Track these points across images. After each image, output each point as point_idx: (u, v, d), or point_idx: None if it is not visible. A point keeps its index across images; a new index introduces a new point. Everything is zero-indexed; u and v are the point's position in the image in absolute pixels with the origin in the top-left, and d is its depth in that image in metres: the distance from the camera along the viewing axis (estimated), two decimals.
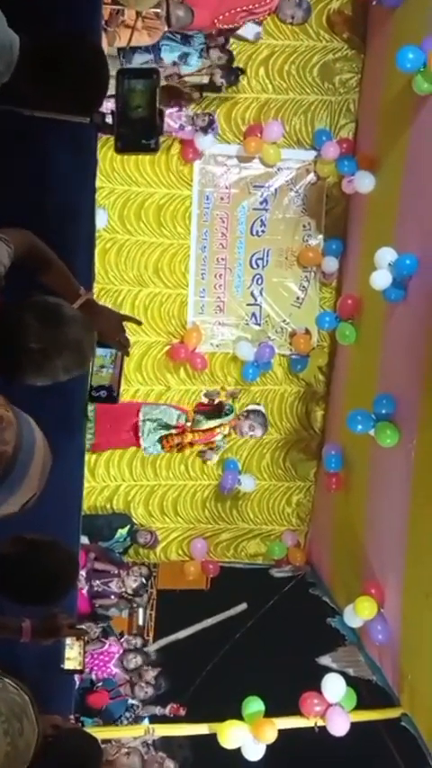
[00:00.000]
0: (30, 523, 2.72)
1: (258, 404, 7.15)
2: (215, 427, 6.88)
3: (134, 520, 7.25)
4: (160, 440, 6.85)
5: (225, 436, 6.98)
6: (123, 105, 2.36)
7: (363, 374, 6.44)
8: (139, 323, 3.03)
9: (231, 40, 6.52)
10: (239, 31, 6.42)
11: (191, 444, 6.91)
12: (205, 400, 7.02)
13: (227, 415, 6.90)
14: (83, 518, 5.48)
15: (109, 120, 2.40)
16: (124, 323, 2.80)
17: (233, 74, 6.60)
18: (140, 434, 6.82)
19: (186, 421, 6.90)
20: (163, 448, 6.88)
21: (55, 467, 2.38)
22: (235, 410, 7.02)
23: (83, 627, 4.86)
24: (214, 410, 6.95)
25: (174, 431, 6.84)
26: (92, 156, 3.29)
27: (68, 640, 3.53)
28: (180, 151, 6.91)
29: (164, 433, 6.85)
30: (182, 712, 6.47)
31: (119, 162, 6.81)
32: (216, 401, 6.97)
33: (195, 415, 6.93)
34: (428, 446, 5.19)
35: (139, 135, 2.35)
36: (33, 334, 2.24)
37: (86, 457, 6.53)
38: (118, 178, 6.87)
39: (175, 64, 6.22)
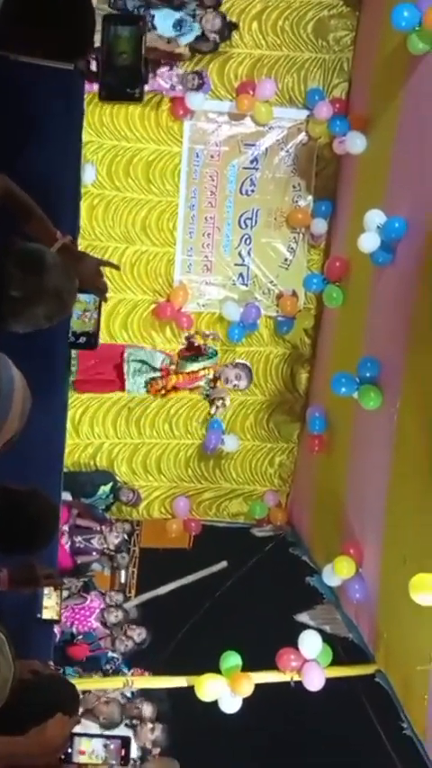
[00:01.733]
0: (11, 474, 2.74)
1: (246, 361, 7.12)
2: (199, 370, 6.87)
3: (117, 477, 7.29)
4: (145, 384, 6.84)
5: (210, 380, 6.94)
6: (108, 52, 2.32)
7: (348, 337, 6.45)
8: (117, 267, 3.02)
9: None
10: None
11: (175, 389, 6.89)
12: (185, 343, 6.98)
13: (210, 357, 6.87)
14: (65, 474, 5.52)
15: (94, 68, 2.36)
16: (103, 268, 2.78)
17: (226, 29, 6.50)
18: (125, 376, 6.81)
19: (171, 364, 6.88)
20: (148, 391, 6.86)
21: (37, 419, 2.39)
22: (218, 353, 6.99)
23: (60, 578, 4.90)
24: (196, 352, 6.92)
25: (158, 373, 6.82)
26: (78, 103, 3.24)
27: (46, 590, 3.57)
28: (170, 108, 6.81)
29: (148, 376, 6.83)
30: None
31: (108, 116, 6.71)
32: (195, 343, 6.94)
33: (180, 360, 6.90)
34: (411, 410, 5.23)
35: (124, 83, 2.32)
36: (15, 281, 2.23)
37: (70, 413, 6.56)
38: (107, 133, 6.77)
39: (171, 37, 6.13)
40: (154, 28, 6.03)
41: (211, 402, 7.07)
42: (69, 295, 2.37)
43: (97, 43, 2.37)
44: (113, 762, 3.54)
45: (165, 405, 7.30)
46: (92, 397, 7.17)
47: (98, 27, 2.33)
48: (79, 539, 6.67)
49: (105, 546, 6.76)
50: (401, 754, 5.78)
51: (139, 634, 6.50)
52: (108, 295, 2.86)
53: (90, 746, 3.47)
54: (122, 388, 6.93)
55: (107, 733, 4.77)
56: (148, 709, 5.72)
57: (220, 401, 6.99)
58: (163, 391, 6.86)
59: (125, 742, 3.56)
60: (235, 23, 6.58)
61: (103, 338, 6.91)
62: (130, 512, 7.44)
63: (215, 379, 6.98)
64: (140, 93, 2.32)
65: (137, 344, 7.06)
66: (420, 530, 4.99)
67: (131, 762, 5.00)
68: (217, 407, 7.06)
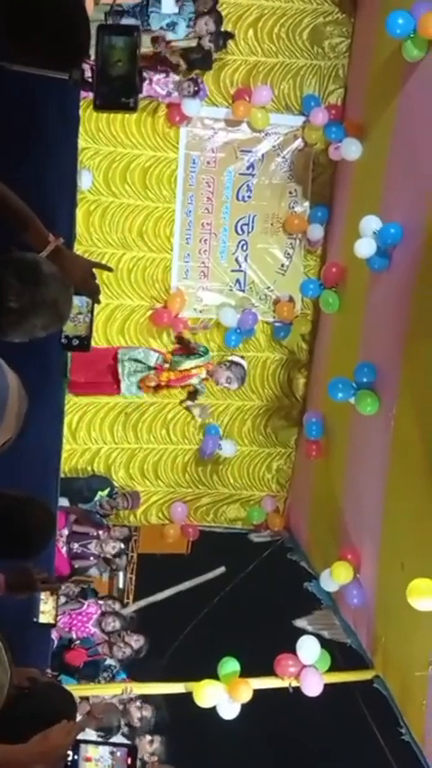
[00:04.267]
0: (8, 480, 2.75)
1: (242, 357, 7.10)
2: (191, 368, 6.87)
3: (114, 483, 7.28)
4: (138, 383, 6.86)
5: (202, 380, 6.95)
6: (103, 62, 2.33)
7: (345, 342, 6.47)
8: (110, 270, 3.03)
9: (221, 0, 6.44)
10: None
11: (168, 386, 6.89)
12: (175, 341, 6.94)
13: (201, 355, 6.86)
14: (62, 480, 5.52)
15: (90, 77, 2.38)
16: (96, 271, 2.78)
17: (221, 38, 6.52)
18: (120, 376, 6.81)
19: (164, 362, 6.88)
20: (141, 389, 6.86)
21: (33, 424, 2.39)
22: (210, 351, 6.97)
23: (57, 582, 4.90)
24: (188, 351, 6.92)
25: (152, 372, 6.82)
26: (74, 112, 3.25)
27: (42, 595, 3.57)
28: (166, 114, 6.83)
29: (142, 375, 6.83)
30: None
31: (104, 123, 6.73)
32: (185, 338, 6.92)
33: (173, 357, 6.90)
34: (408, 415, 5.24)
35: (119, 93, 2.33)
36: (12, 293, 2.23)
37: (67, 418, 6.56)
38: (103, 139, 6.79)
39: (162, 29, 6.17)
40: (148, 26, 6.07)
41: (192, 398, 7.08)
42: (66, 306, 2.39)
43: (92, 53, 2.39)
44: None
45: (162, 410, 7.31)
46: (89, 403, 7.17)
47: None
48: (76, 545, 6.67)
49: (102, 553, 6.75)
50: (400, 760, 5.77)
51: (136, 640, 6.48)
52: (101, 298, 2.86)
53: (97, 753, 3.45)
54: (117, 390, 6.92)
55: (113, 740, 4.77)
56: (147, 711, 5.66)
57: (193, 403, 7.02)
58: (155, 388, 6.86)
59: (132, 750, 3.54)
60: (230, 33, 6.61)
61: (99, 342, 6.94)
62: (128, 516, 7.44)
63: (207, 378, 6.99)
64: (135, 102, 2.34)
65: (131, 346, 7.07)
66: (418, 535, 5.00)
67: None
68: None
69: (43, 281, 2.28)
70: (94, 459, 7.32)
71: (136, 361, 6.86)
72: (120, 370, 6.85)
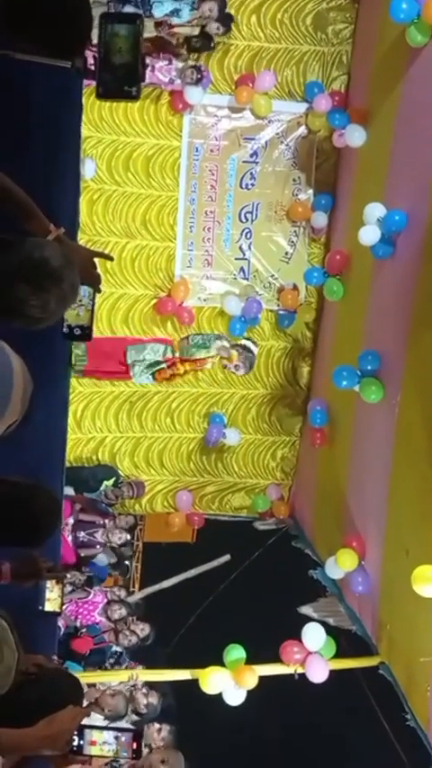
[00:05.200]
0: (14, 469, 2.76)
1: (255, 343, 7.09)
2: (206, 357, 6.88)
3: (120, 472, 7.31)
4: (152, 375, 6.90)
5: (214, 363, 6.98)
6: (105, 50, 2.33)
7: (349, 330, 6.46)
8: (110, 259, 3.04)
9: None
10: None
11: (185, 373, 6.95)
12: (225, 354, 6.91)
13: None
14: (68, 470, 5.54)
15: (92, 66, 2.38)
16: (96, 259, 2.79)
17: (225, 22, 6.49)
18: (131, 374, 6.86)
19: (173, 352, 6.87)
20: (155, 380, 6.90)
21: (38, 413, 2.41)
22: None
23: (62, 571, 4.93)
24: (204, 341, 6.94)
25: (164, 365, 6.85)
26: (76, 100, 3.25)
27: (48, 583, 3.59)
28: (169, 102, 6.81)
29: (155, 369, 6.87)
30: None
31: (107, 111, 6.71)
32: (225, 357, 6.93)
33: (183, 343, 6.87)
34: (412, 403, 5.24)
35: (121, 81, 2.33)
36: (35, 306, 2.23)
37: (72, 407, 6.59)
38: (106, 127, 6.78)
39: (165, 16, 6.15)
40: (150, 15, 6.05)
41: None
42: (78, 282, 2.41)
43: (94, 41, 2.38)
44: (125, 754, 3.57)
45: (166, 398, 7.33)
46: (94, 392, 7.20)
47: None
48: (82, 533, 6.70)
49: (109, 542, 6.77)
50: (405, 745, 5.81)
51: (142, 629, 6.52)
52: (102, 287, 2.87)
53: (102, 737, 3.48)
54: (129, 377, 6.98)
55: (119, 725, 4.79)
56: (154, 698, 5.69)
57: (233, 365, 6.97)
58: (170, 377, 6.91)
59: (137, 735, 3.57)
60: (231, 15, 6.56)
61: (104, 332, 6.97)
62: (133, 505, 7.47)
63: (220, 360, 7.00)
64: (137, 91, 2.33)
65: (137, 338, 7.07)
66: (422, 522, 5.01)
67: None
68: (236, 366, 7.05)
69: (57, 277, 2.27)
70: (98, 447, 7.34)
71: (144, 361, 6.89)
72: (131, 368, 6.90)
